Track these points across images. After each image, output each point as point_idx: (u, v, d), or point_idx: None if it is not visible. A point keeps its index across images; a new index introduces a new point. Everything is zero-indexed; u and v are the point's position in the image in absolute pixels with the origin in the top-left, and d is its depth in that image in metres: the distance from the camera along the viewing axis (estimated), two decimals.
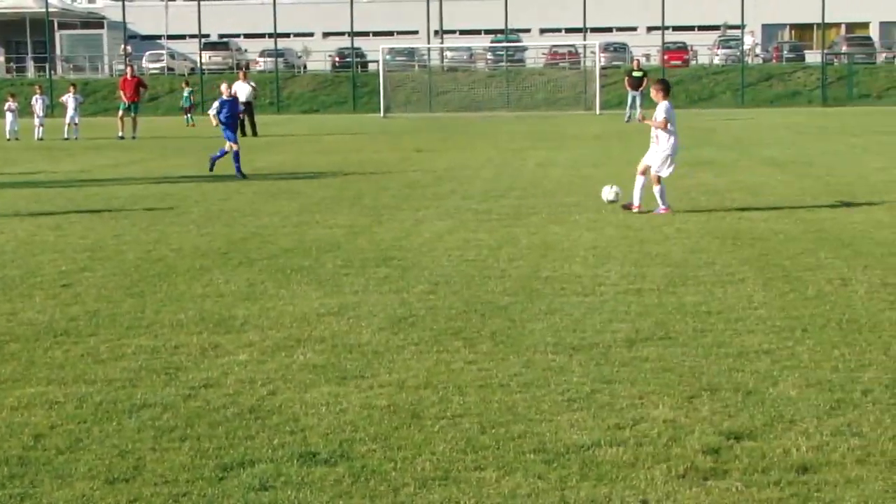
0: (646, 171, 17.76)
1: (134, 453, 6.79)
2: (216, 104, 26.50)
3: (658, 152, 17.70)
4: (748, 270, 12.64)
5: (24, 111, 49.83)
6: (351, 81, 74.86)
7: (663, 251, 14.10)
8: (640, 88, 49.21)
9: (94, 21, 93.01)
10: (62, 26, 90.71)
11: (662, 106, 17.69)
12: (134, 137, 42.94)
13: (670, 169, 17.74)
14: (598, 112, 61.90)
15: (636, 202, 17.69)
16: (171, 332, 10.06)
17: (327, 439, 7.00)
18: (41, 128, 44.77)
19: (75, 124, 44.40)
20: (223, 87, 28.45)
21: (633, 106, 49.62)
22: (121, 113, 44.88)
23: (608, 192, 18.21)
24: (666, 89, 17.94)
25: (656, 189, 17.60)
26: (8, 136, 43.84)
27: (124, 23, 79.11)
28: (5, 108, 45.20)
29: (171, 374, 8.62)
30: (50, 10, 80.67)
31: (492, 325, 10.09)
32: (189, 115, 55.59)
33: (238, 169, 25.44)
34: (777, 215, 17.28)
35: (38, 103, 46.17)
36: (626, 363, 8.71)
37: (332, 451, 6.76)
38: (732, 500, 5.99)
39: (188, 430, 7.20)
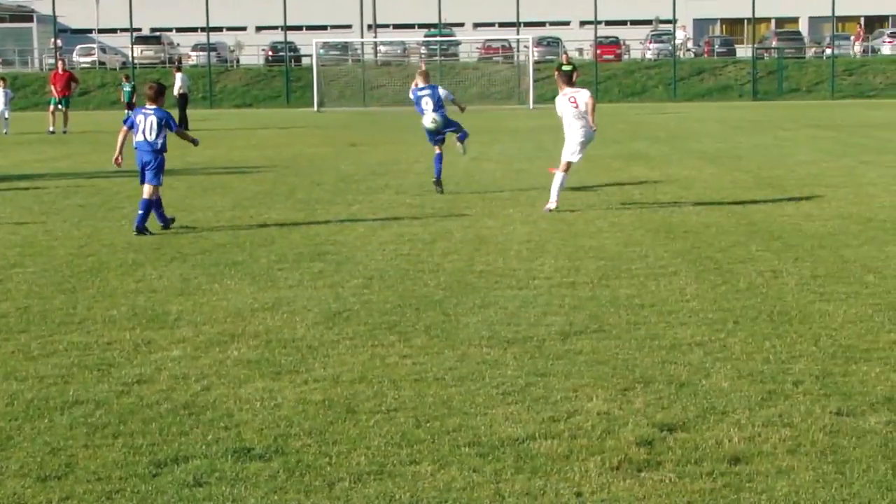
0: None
1: (66, 450, 6.73)
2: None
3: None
4: (680, 263, 12.74)
5: None
6: (284, 76, 74.48)
7: (597, 244, 14.17)
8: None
9: (23, 14, 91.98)
10: None
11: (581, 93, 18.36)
12: (65, 132, 42.53)
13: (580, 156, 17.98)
14: (531, 106, 62.11)
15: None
16: (104, 328, 9.99)
17: (262, 434, 6.98)
18: None
19: (5, 119, 43.86)
20: None
21: None
22: (51, 107, 44.44)
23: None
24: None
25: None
26: None
27: (54, 16, 78.29)
28: None
29: (103, 370, 8.56)
30: None
31: (426, 319, 10.10)
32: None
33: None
34: (708, 208, 17.42)
35: None
36: (560, 356, 8.75)
37: (267, 447, 6.75)
38: (666, 492, 6.04)
39: (121, 427, 7.15)
